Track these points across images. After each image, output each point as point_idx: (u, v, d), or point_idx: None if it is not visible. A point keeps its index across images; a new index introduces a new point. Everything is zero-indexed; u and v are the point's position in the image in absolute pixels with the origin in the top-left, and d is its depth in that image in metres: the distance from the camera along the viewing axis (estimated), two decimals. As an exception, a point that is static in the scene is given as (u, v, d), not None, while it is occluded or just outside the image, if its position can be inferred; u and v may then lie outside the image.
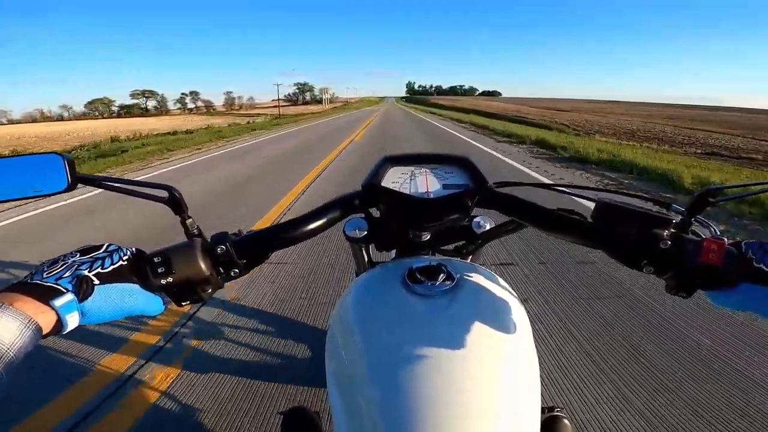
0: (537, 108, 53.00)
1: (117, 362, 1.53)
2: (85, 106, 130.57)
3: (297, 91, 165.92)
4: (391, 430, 0.32)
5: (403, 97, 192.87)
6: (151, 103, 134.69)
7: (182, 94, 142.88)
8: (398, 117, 25.43)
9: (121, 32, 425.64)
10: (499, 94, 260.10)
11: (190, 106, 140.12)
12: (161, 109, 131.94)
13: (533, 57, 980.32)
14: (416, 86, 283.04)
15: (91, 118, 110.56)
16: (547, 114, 38.06)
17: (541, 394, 0.38)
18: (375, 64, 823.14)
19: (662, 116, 44.00)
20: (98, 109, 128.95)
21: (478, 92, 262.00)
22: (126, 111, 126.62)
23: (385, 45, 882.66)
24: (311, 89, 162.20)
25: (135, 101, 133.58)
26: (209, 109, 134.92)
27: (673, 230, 0.41)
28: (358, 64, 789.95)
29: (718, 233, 0.40)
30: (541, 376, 0.39)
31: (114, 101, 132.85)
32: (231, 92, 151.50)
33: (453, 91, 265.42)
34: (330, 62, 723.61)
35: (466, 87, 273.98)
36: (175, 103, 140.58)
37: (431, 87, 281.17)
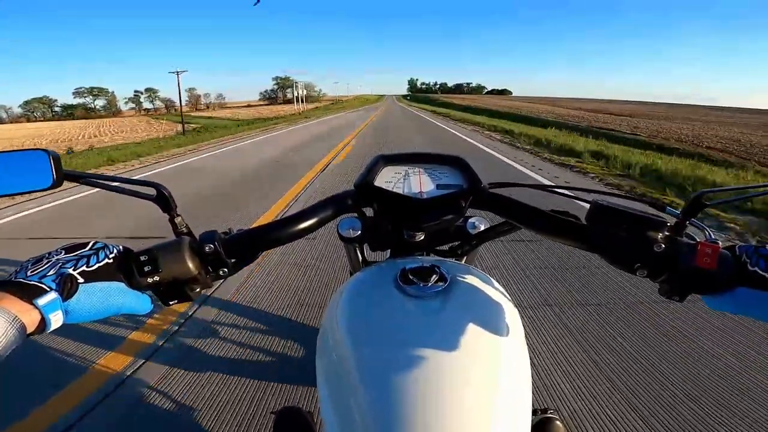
0: (578, 110, 45.39)
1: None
2: (21, 106, 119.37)
3: (276, 87, 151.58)
4: (379, 430, 0.33)
5: (405, 95, 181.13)
6: (100, 102, 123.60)
7: (135, 92, 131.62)
8: (404, 127, 14.79)
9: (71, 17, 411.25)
10: (510, 92, 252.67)
11: (147, 105, 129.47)
12: (111, 110, 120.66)
13: (541, 54, 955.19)
14: (419, 83, 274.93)
15: (30, 120, 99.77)
16: (606, 120, 28.60)
17: (534, 396, 0.39)
18: (374, 61, 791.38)
19: (759, 124, 34.16)
20: (38, 109, 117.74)
21: (485, 90, 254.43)
22: (68, 112, 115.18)
23: (384, 42, 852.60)
24: (293, 85, 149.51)
25: (80, 100, 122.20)
26: (169, 109, 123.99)
27: (667, 233, 0.43)
28: (356, 61, 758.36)
29: (713, 237, 0.42)
30: (533, 378, 0.39)
31: (56, 100, 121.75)
32: (194, 89, 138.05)
33: (459, 89, 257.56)
34: (326, 59, 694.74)
35: (474, 85, 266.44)
36: (127, 102, 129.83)
37: (435, 84, 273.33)
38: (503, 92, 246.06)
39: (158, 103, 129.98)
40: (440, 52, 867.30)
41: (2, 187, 0.41)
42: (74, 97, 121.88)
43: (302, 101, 52.41)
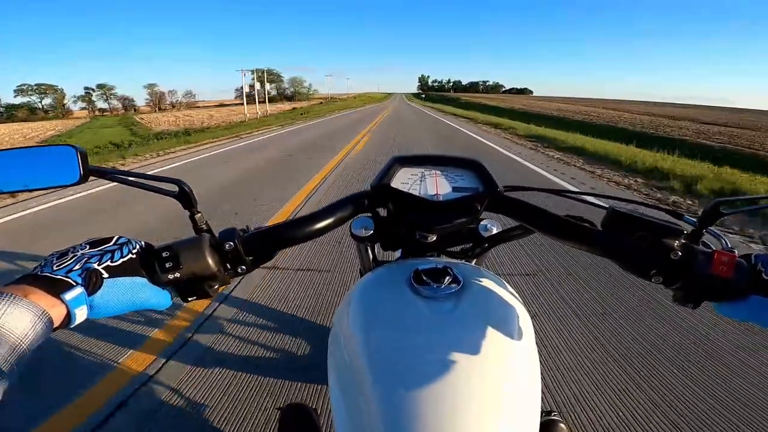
0: (649, 116, 39.74)
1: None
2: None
3: (255, 82, 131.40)
4: (390, 429, 0.35)
5: (417, 94, 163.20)
6: (48, 101, 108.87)
7: (86, 89, 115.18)
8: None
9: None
10: (530, 91, 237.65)
11: (102, 105, 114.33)
12: (59, 110, 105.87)
13: (550, 52, 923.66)
14: (430, 81, 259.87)
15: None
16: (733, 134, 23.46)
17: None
18: (380, 59, 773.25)
19: None
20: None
21: (503, 89, 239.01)
22: (8, 114, 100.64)
23: (392, 39, 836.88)
24: (278, 79, 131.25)
25: (25, 99, 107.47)
26: (128, 109, 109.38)
27: (684, 241, 0.45)
28: (361, 59, 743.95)
29: (729, 245, 0.44)
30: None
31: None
32: (155, 85, 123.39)
33: (474, 87, 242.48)
34: (328, 57, 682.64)
35: (491, 83, 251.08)
36: (76, 101, 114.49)
37: (448, 82, 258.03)
38: (523, 91, 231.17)
39: (114, 103, 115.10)
40: (449, 49, 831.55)
41: (31, 182, 0.44)
42: (15, 96, 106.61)
43: (264, 102, 36.44)
